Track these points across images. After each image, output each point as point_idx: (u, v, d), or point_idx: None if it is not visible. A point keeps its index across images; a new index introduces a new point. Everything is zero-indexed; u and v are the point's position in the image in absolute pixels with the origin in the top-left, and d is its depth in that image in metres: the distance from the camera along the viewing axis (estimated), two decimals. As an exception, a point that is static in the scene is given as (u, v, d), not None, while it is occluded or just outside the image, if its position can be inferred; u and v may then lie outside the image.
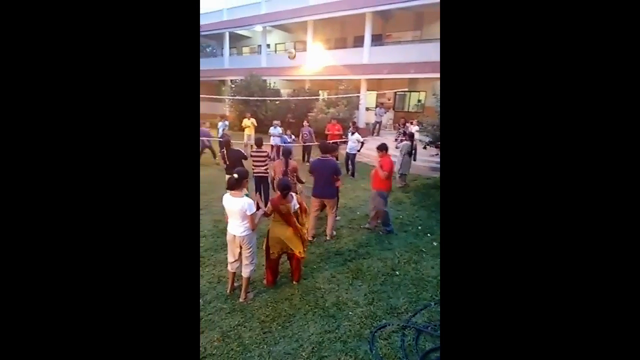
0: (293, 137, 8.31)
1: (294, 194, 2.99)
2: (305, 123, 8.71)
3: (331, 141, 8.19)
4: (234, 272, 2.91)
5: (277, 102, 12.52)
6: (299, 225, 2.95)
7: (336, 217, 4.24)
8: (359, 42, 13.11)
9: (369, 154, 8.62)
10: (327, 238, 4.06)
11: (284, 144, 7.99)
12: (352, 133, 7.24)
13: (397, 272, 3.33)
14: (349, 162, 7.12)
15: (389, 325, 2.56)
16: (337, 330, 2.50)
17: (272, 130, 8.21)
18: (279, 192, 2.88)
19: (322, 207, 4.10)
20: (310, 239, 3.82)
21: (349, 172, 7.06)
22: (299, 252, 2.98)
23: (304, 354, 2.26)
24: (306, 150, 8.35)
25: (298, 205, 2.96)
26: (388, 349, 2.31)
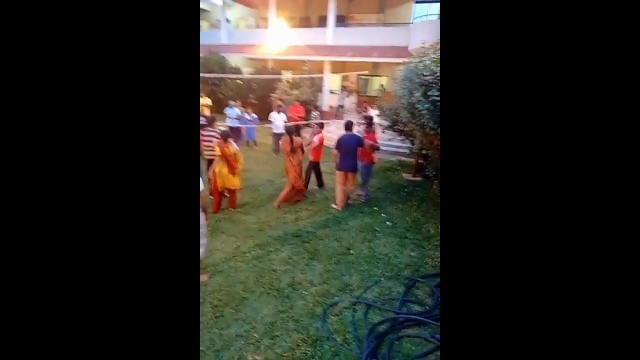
0: (254, 116, 8.04)
1: (231, 141, 4.20)
2: (295, 102, 8.75)
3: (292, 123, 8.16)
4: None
5: (238, 82, 11.94)
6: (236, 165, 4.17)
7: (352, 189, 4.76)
8: (323, 22, 12.80)
9: (331, 137, 8.64)
10: (336, 206, 4.53)
11: (246, 125, 7.75)
12: (278, 112, 7.63)
13: (352, 251, 3.44)
14: (277, 143, 7.49)
15: (341, 301, 2.65)
16: (290, 310, 2.54)
17: (227, 110, 7.75)
18: (223, 140, 4.10)
19: (346, 179, 4.51)
20: (336, 206, 4.58)
21: (275, 151, 7.49)
22: (235, 184, 4.25)
23: (256, 335, 2.28)
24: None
25: (237, 149, 4.24)
26: (339, 324, 2.40)
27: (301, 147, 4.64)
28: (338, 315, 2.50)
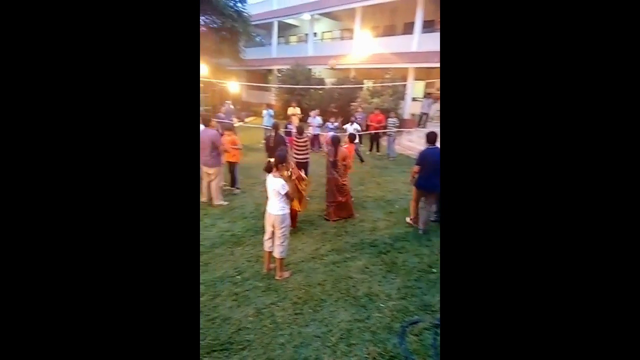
0: (336, 124, 8.28)
1: (292, 163, 3.73)
2: (376, 110, 8.87)
3: (373, 132, 8.12)
4: (270, 252, 3.04)
5: (321, 91, 12.51)
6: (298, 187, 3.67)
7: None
8: (408, 29, 12.48)
9: (412, 146, 8.30)
10: (410, 221, 4.20)
11: (328, 132, 8.06)
12: (352, 123, 7.46)
13: (434, 270, 3.21)
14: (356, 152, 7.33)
15: (422, 321, 2.50)
16: (367, 320, 2.51)
17: (311, 120, 8.26)
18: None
19: (424, 197, 3.95)
20: (411, 221, 4.23)
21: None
22: (295, 206, 3.67)
23: (332, 339, 2.31)
24: (374, 139, 8.60)
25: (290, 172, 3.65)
26: (418, 345, 2.26)
27: (345, 159, 4.10)
28: (418, 335, 2.36)
